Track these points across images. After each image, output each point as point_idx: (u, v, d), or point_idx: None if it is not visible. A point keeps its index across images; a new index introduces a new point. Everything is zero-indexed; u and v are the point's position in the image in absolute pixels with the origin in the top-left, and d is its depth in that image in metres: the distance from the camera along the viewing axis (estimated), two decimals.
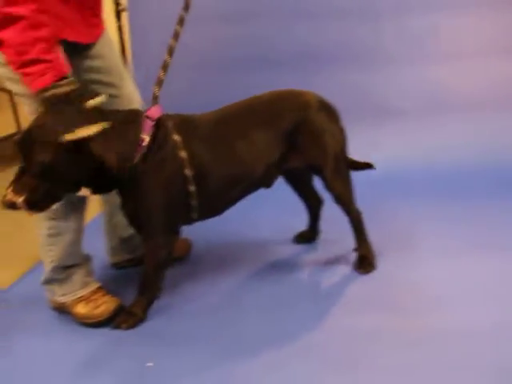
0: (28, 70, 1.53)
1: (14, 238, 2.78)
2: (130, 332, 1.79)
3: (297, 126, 1.91)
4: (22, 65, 1.53)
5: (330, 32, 3.26)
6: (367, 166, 2.20)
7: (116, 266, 2.26)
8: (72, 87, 1.58)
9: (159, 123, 1.72)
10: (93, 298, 1.86)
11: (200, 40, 3.29)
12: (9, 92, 4.40)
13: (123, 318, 1.81)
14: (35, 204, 1.58)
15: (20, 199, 1.54)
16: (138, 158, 1.67)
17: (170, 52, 1.79)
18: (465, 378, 1.46)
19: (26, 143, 1.56)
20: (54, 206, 1.75)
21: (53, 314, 1.95)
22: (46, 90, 1.55)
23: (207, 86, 3.27)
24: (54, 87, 1.55)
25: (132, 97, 1.93)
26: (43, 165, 1.54)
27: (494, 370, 1.47)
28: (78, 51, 1.72)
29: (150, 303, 1.85)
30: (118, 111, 1.71)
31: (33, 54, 1.52)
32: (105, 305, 1.84)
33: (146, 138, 1.66)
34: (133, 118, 1.70)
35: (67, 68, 1.60)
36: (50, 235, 1.83)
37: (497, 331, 1.63)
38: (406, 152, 3.15)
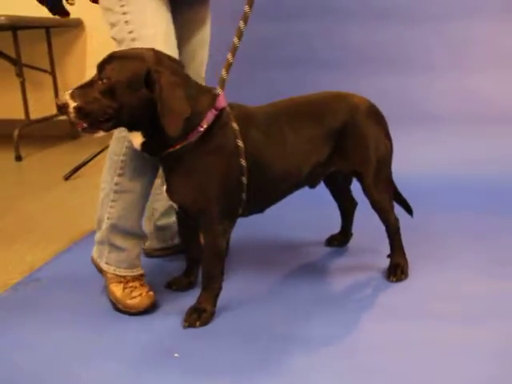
0: None
1: (49, 218, 2.82)
2: (159, 323, 1.78)
3: (345, 128, 1.90)
4: None
5: (370, 35, 3.25)
6: (407, 207, 2.20)
7: (146, 252, 2.25)
8: None
9: (221, 113, 1.72)
10: (131, 284, 1.84)
11: (248, 38, 3.28)
12: (51, 73, 4.49)
13: (195, 316, 1.75)
14: (85, 115, 1.58)
15: (73, 104, 1.56)
16: (194, 139, 1.66)
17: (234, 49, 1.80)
18: None
19: (113, 59, 1.59)
20: (121, 158, 1.79)
21: (81, 296, 1.95)
22: None
23: (254, 83, 3.26)
24: None
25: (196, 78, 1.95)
26: (118, 82, 1.56)
27: None
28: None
29: (216, 295, 1.80)
30: (200, 85, 1.75)
31: None
32: (139, 298, 1.81)
33: (204, 125, 1.66)
34: (207, 99, 1.70)
35: None
36: (114, 191, 1.82)
37: None
38: (438, 160, 3.10)
